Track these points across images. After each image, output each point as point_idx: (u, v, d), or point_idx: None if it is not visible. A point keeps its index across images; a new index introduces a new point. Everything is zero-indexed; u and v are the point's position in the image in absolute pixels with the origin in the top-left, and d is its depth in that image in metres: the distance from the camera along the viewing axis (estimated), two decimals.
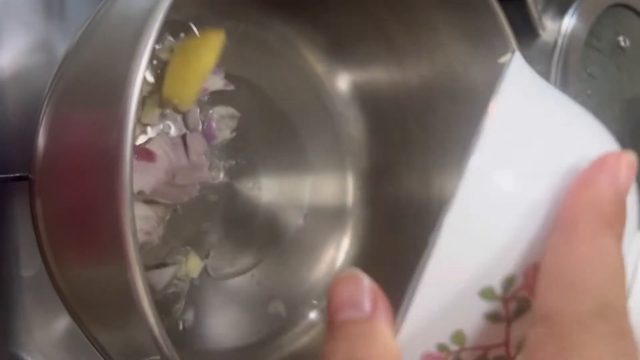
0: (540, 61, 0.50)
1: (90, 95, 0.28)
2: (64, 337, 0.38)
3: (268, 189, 0.45)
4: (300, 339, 0.44)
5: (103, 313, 0.29)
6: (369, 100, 0.47)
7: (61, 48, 0.39)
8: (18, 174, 0.34)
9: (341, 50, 0.46)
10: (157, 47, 0.39)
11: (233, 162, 0.43)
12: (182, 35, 0.40)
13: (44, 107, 0.31)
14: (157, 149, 0.38)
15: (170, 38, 0.40)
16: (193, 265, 0.41)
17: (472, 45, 0.41)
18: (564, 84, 0.49)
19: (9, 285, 0.37)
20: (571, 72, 0.49)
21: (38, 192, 0.30)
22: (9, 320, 0.36)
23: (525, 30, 0.50)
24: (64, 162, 0.29)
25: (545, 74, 0.49)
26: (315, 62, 0.46)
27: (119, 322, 0.28)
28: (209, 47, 0.40)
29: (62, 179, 0.29)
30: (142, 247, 0.38)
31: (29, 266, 0.37)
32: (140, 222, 0.36)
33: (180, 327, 0.40)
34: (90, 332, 0.30)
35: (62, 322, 0.38)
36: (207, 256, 0.42)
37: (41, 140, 0.30)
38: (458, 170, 0.43)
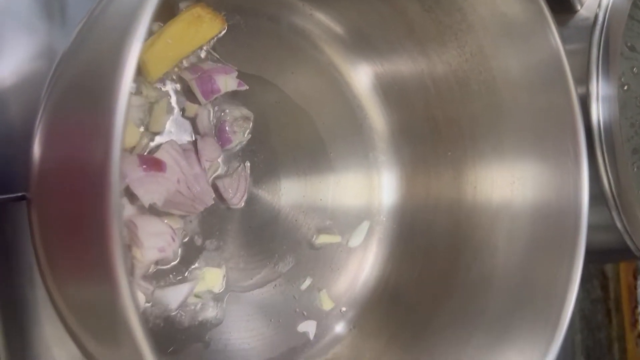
0: (579, 39, 0.46)
1: (79, 104, 0.26)
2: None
3: (288, 193, 0.42)
4: (328, 352, 0.42)
5: (101, 337, 0.27)
6: (392, 92, 0.44)
7: None
8: (20, 194, 0.32)
9: (359, 39, 0.43)
10: None
11: (249, 166, 0.41)
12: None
13: (39, 118, 0.29)
14: (166, 158, 0.36)
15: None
16: (213, 279, 0.38)
17: (504, 25, 0.37)
18: (606, 63, 0.45)
19: (25, 303, 0.36)
20: (614, 49, 0.45)
21: (34, 211, 0.28)
22: (27, 338, 0.35)
23: (561, 6, 0.46)
24: (55, 178, 0.27)
25: (584, 53, 0.45)
26: (333, 53, 0.43)
27: (113, 347, 0.26)
28: (210, 28, 0.37)
29: (54, 196, 0.27)
30: (156, 264, 0.36)
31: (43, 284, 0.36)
32: (153, 239, 0.34)
33: (202, 345, 0.38)
34: (91, 355, 0.28)
35: None
36: (226, 268, 0.39)
37: (36, 155, 0.28)
38: (492, 165, 0.41)
